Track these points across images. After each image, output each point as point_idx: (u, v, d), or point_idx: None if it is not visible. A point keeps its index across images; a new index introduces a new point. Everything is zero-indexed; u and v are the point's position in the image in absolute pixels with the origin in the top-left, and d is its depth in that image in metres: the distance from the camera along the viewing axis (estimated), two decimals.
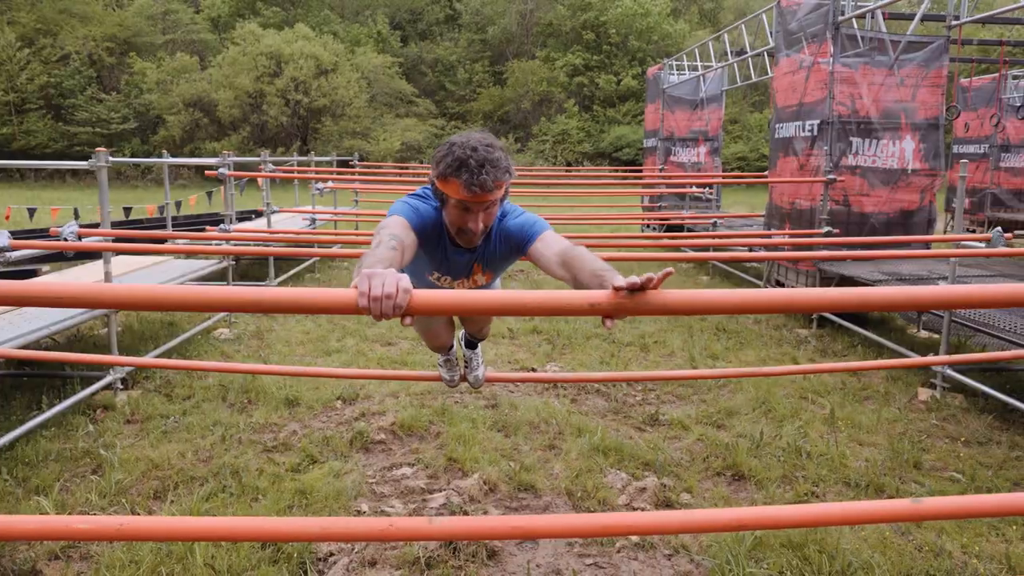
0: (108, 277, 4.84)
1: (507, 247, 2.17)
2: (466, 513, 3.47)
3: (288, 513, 3.38)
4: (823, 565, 2.88)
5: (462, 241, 2.11)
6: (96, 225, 5.41)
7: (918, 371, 5.65)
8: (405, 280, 1.35)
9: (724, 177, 11.41)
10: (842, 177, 6.84)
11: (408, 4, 39.75)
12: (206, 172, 6.69)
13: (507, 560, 3.05)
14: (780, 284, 7.91)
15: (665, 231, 12.10)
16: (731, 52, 10.45)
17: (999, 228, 4.63)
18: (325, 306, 1.37)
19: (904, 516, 1.57)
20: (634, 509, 3.54)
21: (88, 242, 4.54)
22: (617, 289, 1.39)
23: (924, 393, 5.23)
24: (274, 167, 7.42)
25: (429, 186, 2.14)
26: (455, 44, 38.94)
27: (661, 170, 12.86)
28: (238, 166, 12.94)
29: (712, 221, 9.99)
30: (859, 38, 6.96)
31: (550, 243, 2.00)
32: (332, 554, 3.01)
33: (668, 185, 11.20)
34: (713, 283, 9.58)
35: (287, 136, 30.85)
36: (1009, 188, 13.20)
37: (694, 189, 10.65)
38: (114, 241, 4.68)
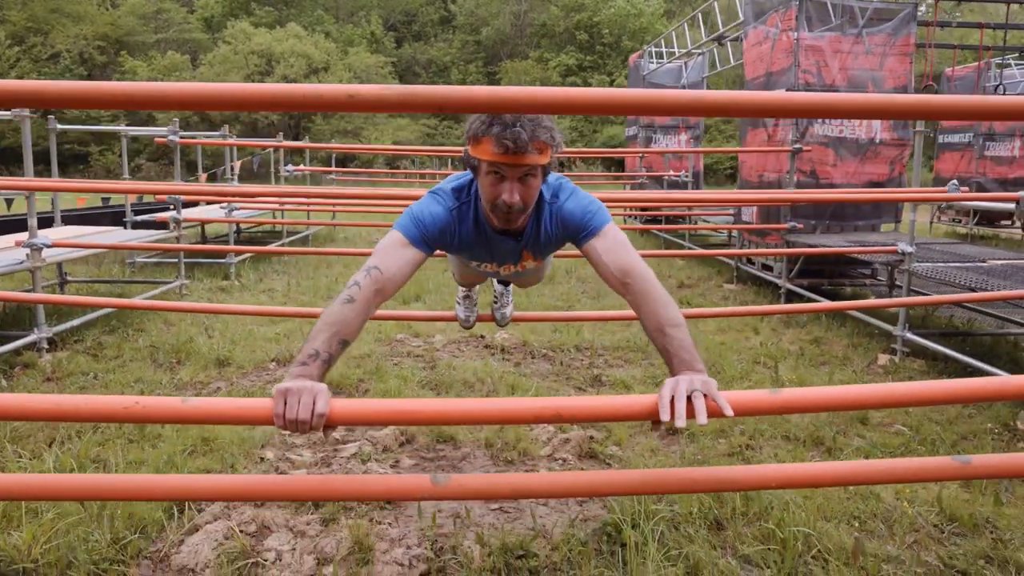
0: (33, 232, 4.67)
1: (561, 232, 1.85)
2: (373, 459, 3.28)
3: (183, 459, 3.18)
4: (738, 506, 2.69)
5: (499, 221, 1.78)
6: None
7: (880, 338, 5.46)
8: (322, 398, 1.37)
9: (690, 152, 11.20)
10: (808, 148, 6.66)
11: (403, 5, 39.77)
12: (156, 140, 6.52)
13: (406, 503, 2.85)
14: (750, 262, 7.72)
15: (645, 223, 11.93)
16: (704, 31, 10.31)
17: (955, 181, 4.46)
18: (244, 418, 1.42)
19: (750, 483, 1.41)
20: (555, 460, 3.36)
21: None
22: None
23: (883, 358, 5.04)
24: (230, 136, 7.26)
25: (452, 180, 1.90)
26: (449, 45, 38.93)
27: (642, 158, 12.72)
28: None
29: (688, 205, 9.82)
30: (830, 7, 6.81)
31: (611, 248, 1.73)
32: None
33: (639, 159, 11.04)
34: (688, 267, 9.39)
35: (278, 135, 30.71)
36: (994, 177, 13.01)
37: (671, 173, 10.49)
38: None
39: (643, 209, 11.36)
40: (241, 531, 2.55)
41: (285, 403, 1.36)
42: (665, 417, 1.29)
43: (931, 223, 14.52)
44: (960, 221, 13.87)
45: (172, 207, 6.63)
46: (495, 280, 2.89)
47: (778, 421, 3.73)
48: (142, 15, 33.62)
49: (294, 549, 2.47)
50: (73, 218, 8.58)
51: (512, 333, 5.57)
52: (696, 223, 10.21)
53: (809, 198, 5.33)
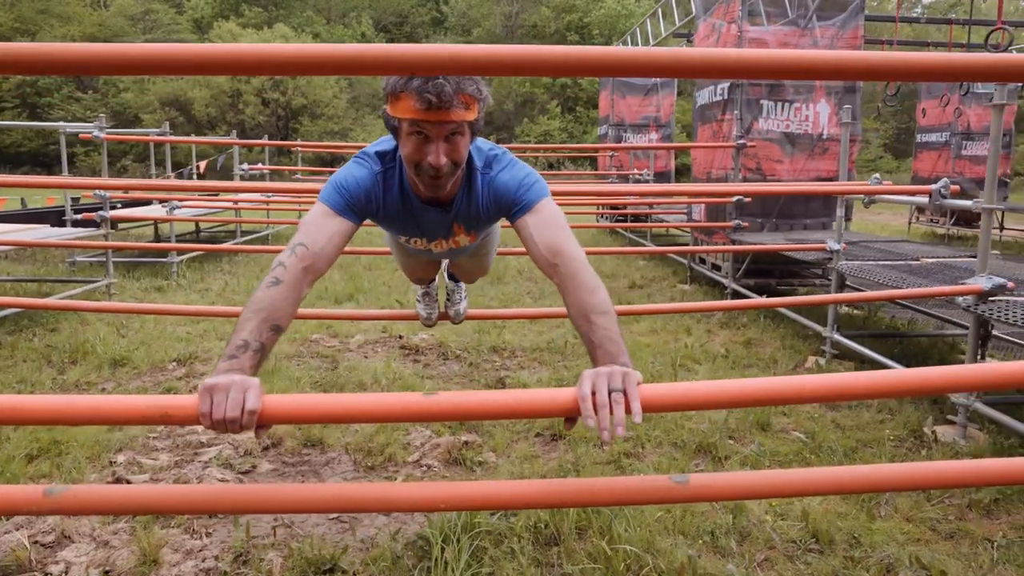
0: None
1: (495, 205, 1.69)
2: (229, 466, 3.10)
3: (23, 462, 3.00)
4: (577, 520, 2.49)
5: (426, 188, 1.61)
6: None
7: (813, 340, 5.27)
8: (253, 393, 1.18)
9: (651, 148, 11.00)
10: (753, 143, 6.47)
11: (394, 7, 39.64)
12: (80, 135, 6.38)
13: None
14: (702, 261, 7.53)
15: (615, 221, 11.75)
16: (663, 26, 10.13)
17: (877, 175, 4.27)
18: (133, 418, 1.20)
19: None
20: (421, 466, 3.17)
21: None
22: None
23: (811, 361, 4.85)
24: (169, 133, 7.11)
25: (377, 144, 1.72)
26: None
27: (612, 156, 12.54)
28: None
29: (649, 203, 9.63)
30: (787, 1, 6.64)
31: (544, 224, 1.57)
32: None
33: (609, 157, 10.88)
34: (647, 267, 9.20)
35: (265, 136, 30.60)
36: (972, 177, 12.79)
37: (633, 171, 10.30)
38: None
39: (612, 207, 11.19)
40: (36, 541, 2.37)
41: (212, 400, 1.17)
42: (591, 424, 1.15)
43: (909, 224, 14.31)
44: (938, 222, 13.67)
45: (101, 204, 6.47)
46: (446, 275, 2.72)
47: (671, 427, 3.54)
48: (130, 16, 33.54)
49: (86, 561, 2.29)
50: (15, 216, 8.42)
51: (432, 333, 5.38)
52: (659, 222, 10.02)
53: (741, 191, 5.15)
